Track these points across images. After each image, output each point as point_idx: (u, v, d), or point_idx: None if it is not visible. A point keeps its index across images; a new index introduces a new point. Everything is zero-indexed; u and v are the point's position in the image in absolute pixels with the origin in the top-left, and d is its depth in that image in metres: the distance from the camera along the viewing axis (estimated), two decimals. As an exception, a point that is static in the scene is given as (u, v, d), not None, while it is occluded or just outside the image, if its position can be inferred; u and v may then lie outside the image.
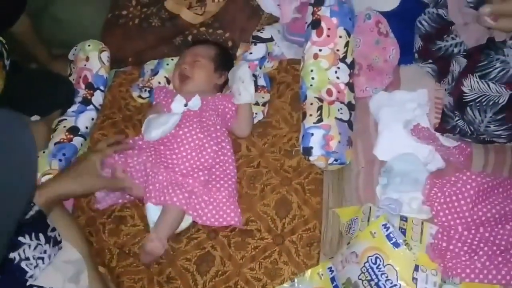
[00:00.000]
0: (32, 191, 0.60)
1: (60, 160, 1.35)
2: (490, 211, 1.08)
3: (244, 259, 1.16)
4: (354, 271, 1.02)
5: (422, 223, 1.08)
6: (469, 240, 1.06)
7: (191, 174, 1.21)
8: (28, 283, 1.01)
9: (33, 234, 1.03)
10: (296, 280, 1.10)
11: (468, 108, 1.15)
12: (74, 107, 1.46)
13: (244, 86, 1.30)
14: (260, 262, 1.15)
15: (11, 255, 0.99)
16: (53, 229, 1.08)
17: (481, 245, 1.04)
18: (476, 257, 1.02)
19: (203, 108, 1.31)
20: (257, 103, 1.38)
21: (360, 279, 1.00)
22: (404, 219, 1.08)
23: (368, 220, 1.08)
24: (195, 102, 1.31)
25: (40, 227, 1.05)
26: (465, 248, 1.04)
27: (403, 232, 1.05)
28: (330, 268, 1.08)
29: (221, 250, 1.18)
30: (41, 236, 1.04)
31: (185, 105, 1.32)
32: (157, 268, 1.19)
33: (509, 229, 1.05)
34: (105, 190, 1.25)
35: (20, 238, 1.00)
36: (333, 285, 1.06)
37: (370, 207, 1.11)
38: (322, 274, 1.08)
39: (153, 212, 1.20)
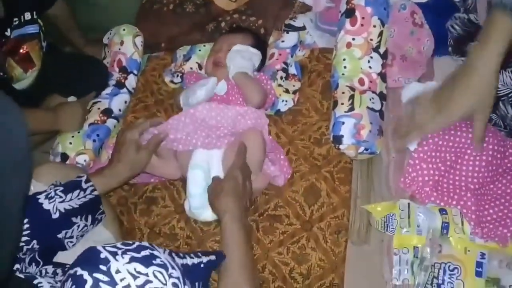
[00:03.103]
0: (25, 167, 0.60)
1: (94, 140, 1.39)
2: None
3: (272, 244, 1.18)
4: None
5: (461, 213, 1.08)
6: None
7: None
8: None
9: (84, 216, 1.06)
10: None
11: (500, 103, 1.15)
12: (108, 90, 1.49)
13: (228, 68, 1.33)
14: (288, 247, 1.16)
15: (61, 235, 1.02)
16: (102, 212, 1.11)
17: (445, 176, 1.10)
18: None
19: (229, 93, 1.32)
20: (287, 91, 1.39)
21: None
22: (444, 212, 1.08)
23: (409, 217, 1.08)
24: (221, 87, 1.32)
25: (93, 209, 1.08)
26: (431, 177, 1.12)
27: (447, 226, 1.05)
28: (482, 254, 1.03)
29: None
30: (89, 217, 1.07)
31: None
32: (186, 249, 1.22)
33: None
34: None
35: (73, 218, 1.03)
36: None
37: (408, 204, 1.11)
38: (469, 251, 1.04)
39: (199, 156, 1.22)
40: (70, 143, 1.38)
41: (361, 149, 1.20)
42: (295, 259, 1.15)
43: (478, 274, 1.00)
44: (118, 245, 0.71)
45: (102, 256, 0.68)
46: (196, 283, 0.84)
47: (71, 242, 1.05)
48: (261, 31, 1.52)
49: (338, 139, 1.21)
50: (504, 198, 1.07)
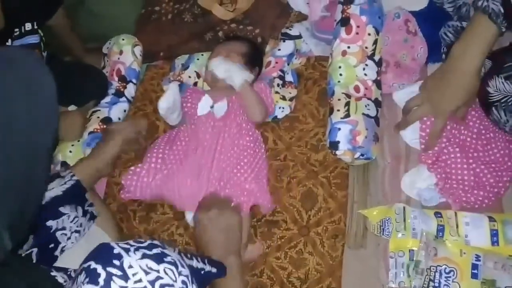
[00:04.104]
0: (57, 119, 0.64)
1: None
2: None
3: (270, 248, 1.19)
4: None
5: (456, 214, 1.11)
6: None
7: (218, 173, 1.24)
8: (56, 260, 1.05)
9: (72, 206, 1.07)
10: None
11: (493, 108, 1.17)
12: (107, 99, 1.51)
13: (229, 79, 1.33)
14: (286, 252, 1.18)
15: (50, 223, 1.04)
16: (91, 204, 1.12)
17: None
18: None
19: (229, 110, 1.34)
20: (284, 98, 1.41)
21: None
22: (439, 215, 1.10)
23: (404, 221, 1.10)
24: (221, 108, 1.34)
25: (78, 200, 1.10)
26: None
27: (442, 229, 1.07)
28: (477, 256, 1.04)
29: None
30: (79, 209, 1.08)
31: (211, 106, 1.35)
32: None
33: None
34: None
35: (61, 208, 1.05)
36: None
37: (404, 207, 1.13)
38: (465, 253, 1.05)
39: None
40: (70, 151, 1.39)
41: (357, 154, 1.22)
42: (292, 263, 1.16)
43: (474, 276, 1.01)
44: (131, 242, 0.73)
45: (115, 251, 0.71)
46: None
47: (65, 234, 1.05)
48: (258, 40, 1.55)
49: (334, 145, 1.23)
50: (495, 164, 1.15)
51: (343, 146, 1.21)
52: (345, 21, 1.33)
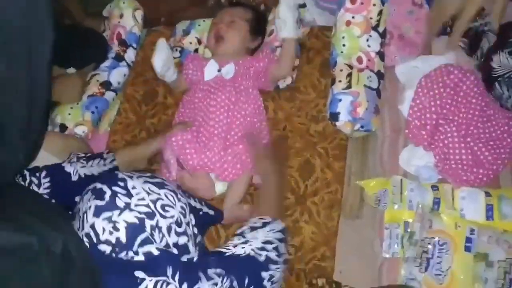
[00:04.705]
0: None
1: (92, 112, 1.40)
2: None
3: (266, 216, 1.20)
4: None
5: (452, 190, 1.11)
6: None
7: (222, 135, 1.24)
8: None
9: None
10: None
11: (496, 84, 1.16)
12: (107, 63, 1.49)
13: (283, 22, 1.31)
14: (282, 220, 1.17)
15: (76, 198, 1.05)
16: None
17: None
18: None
19: (235, 74, 1.33)
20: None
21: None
22: (435, 188, 1.10)
23: (401, 193, 1.11)
24: (229, 70, 1.33)
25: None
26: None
27: (438, 202, 1.08)
28: (471, 230, 1.05)
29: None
30: None
31: (219, 70, 1.34)
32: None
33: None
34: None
35: None
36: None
37: (401, 180, 1.13)
38: (459, 226, 1.06)
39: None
40: (69, 114, 1.39)
41: (357, 126, 1.21)
42: (288, 231, 1.17)
43: (467, 249, 1.02)
44: (134, 172, 0.80)
45: (119, 176, 0.77)
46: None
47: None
48: (261, 7, 1.52)
49: (334, 116, 1.22)
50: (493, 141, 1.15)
51: (344, 117, 1.21)
52: (350, -10, 1.31)
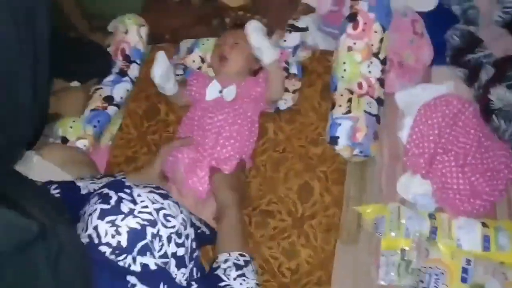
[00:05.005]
0: None
1: (94, 126, 1.40)
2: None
3: (263, 238, 1.20)
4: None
5: (449, 219, 1.12)
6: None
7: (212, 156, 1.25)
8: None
9: None
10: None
11: (494, 116, 1.19)
12: (110, 77, 1.50)
13: (259, 50, 1.32)
14: (279, 242, 1.19)
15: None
16: None
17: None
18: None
19: (236, 96, 1.34)
20: (287, 90, 1.41)
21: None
22: (432, 217, 1.12)
23: (399, 221, 1.12)
24: (230, 92, 1.35)
25: None
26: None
27: (435, 231, 1.09)
28: (468, 260, 1.06)
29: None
30: None
31: (220, 91, 1.36)
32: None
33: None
34: None
35: None
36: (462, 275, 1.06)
37: (398, 207, 1.14)
38: (456, 256, 1.07)
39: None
40: (71, 127, 1.39)
41: (356, 151, 1.23)
42: (285, 254, 1.18)
43: (464, 280, 1.03)
44: (140, 183, 0.83)
45: (126, 183, 0.81)
46: None
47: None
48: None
49: (334, 140, 1.24)
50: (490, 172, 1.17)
51: (343, 142, 1.23)
52: (352, 17, 1.33)
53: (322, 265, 1.15)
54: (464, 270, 1.04)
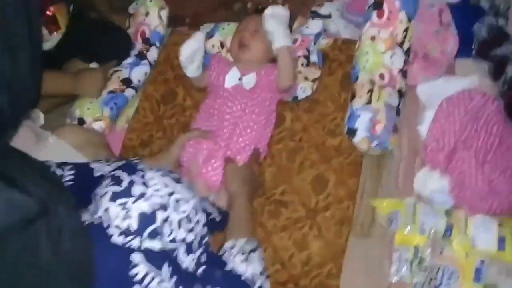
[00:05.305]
0: None
1: (111, 108, 1.41)
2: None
3: (275, 228, 1.20)
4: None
5: (466, 216, 1.10)
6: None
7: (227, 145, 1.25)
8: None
9: None
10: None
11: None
12: (129, 60, 1.50)
13: (272, 34, 1.30)
14: (291, 233, 1.18)
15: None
16: None
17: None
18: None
19: (255, 84, 1.32)
20: (307, 79, 1.38)
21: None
22: (449, 214, 1.10)
23: (414, 217, 1.10)
24: (250, 81, 1.32)
25: None
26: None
27: (450, 228, 1.07)
28: (482, 260, 1.05)
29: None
30: None
31: (240, 79, 1.34)
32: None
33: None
34: None
35: None
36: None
37: (414, 203, 1.12)
38: (470, 255, 1.06)
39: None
40: (88, 108, 1.40)
41: (374, 144, 1.20)
42: (296, 245, 1.17)
43: (477, 279, 1.01)
44: (153, 168, 0.82)
45: (139, 166, 0.80)
46: None
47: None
48: (286, 16, 1.51)
49: (352, 132, 1.21)
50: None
51: (361, 134, 1.20)
52: (378, 5, 1.29)
53: (333, 258, 1.14)
54: (478, 270, 1.02)
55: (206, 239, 0.87)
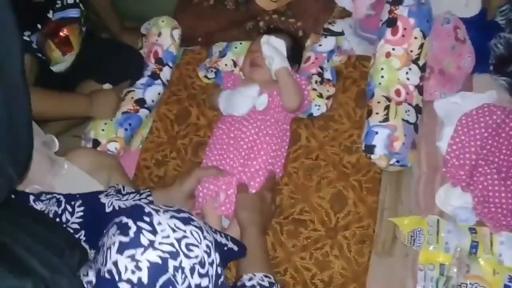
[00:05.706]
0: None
1: (126, 129, 1.40)
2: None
3: (296, 248, 1.18)
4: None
5: (491, 234, 1.08)
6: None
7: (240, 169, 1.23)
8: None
9: None
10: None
11: None
12: (143, 80, 1.50)
13: (270, 59, 1.30)
14: (311, 253, 1.16)
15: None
16: None
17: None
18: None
19: (268, 105, 1.31)
20: (321, 96, 1.38)
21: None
22: (473, 231, 1.07)
23: (437, 234, 1.08)
24: (262, 102, 1.31)
25: None
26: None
27: (476, 246, 1.05)
28: (510, 277, 1.03)
29: (273, 236, 1.20)
30: None
31: None
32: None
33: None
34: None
35: None
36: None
37: (438, 220, 1.10)
38: (498, 273, 1.04)
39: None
40: (103, 130, 1.39)
41: (393, 161, 1.19)
42: (317, 265, 1.15)
43: (505, 295, 0.99)
44: (160, 205, 0.78)
45: (146, 210, 0.75)
46: None
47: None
48: (299, 33, 1.52)
49: (370, 149, 1.20)
50: None
51: (379, 151, 1.19)
52: (392, 22, 1.30)
53: (356, 277, 1.12)
54: (506, 286, 0.99)
55: (221, 279, 0.84)
